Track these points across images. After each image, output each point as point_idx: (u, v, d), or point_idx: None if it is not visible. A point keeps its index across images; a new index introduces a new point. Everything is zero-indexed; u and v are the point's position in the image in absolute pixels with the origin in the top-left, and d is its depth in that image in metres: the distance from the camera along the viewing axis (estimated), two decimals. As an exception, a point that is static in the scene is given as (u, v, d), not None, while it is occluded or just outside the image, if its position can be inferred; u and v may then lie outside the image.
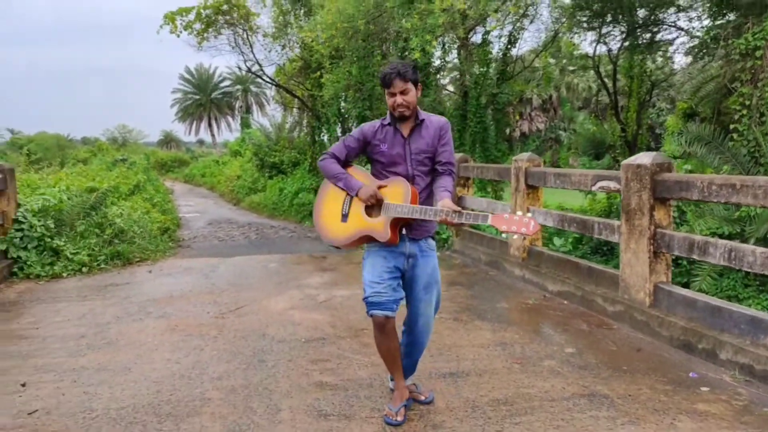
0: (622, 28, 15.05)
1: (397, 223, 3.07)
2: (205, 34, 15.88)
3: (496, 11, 10.49)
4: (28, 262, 7.00)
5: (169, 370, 3.97)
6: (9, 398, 3.55)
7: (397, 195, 3.05)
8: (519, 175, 6.52)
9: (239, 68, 18.47)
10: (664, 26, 14.77)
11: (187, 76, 56.21)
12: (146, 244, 8.52)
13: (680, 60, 17.14)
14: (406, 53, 10.22)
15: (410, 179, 3.13)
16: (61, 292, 6.29)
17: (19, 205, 7.39)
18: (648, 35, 15.04)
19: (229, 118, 57.65)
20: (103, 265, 7.49)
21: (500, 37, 13.23)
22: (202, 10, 15.25)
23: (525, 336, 4.63)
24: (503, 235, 7.40)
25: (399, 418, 3.15)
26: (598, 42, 15.89)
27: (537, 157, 6.53)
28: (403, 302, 3.24)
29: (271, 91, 24.07)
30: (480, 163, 11.47)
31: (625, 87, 18.07)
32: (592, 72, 21.86)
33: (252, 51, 16.40)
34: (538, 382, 3.72)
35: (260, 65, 16.59)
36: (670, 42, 15.66)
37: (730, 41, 11.10)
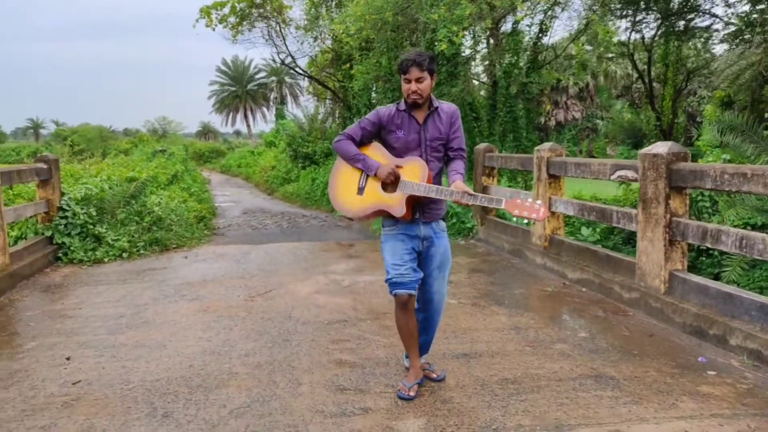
0: (657, 15, 14.82)
1: (412, 201, 3.25)
2: (240, 27, 16.26)
3: (523, 1, 10.48)
4: (72, 248, 7.41)
5: (200, 347, 4.25)
6: (56, 370, 3.87)
7: (414, 173, 3.22)
8: (541, 165, 6.61)
9: (273, 60, 18.81)
10: (699, 13, 14.47)
11: (223, 68, 57.21)
12: (183, 232, 8.89)
13: (719, 47, 16.75)
14: (434, 44, 10.32)
15: None
16: (103, 275, 6.67)
17: (63, 194, 7.81)
18: (682, 22, 14.76)
19: (264, 109, 58.49)
20: (141, 251, 7.87)
21: (531, 25, 13.22)
22: (236, 4, 15.62)
23: (540, 321, 4.77)
24: (525, 222, 7.50)
25: (411, 393, 3.35)
26: (632, 30, 15.68)
27: (559, 147, 6.61)
28: None
29: (304, 82, 24.46)
30: (509, 153, 11.53)
31: (661, 75, 17.78)
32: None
33: (285, 43, 16.74)
34: (548, 363, 3.87)
35: (293, 57, 16.92)
36: (706, 29, 15.33)
37: (767, 28, 10.88)
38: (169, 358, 4.06)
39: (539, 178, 6.67)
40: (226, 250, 8.28)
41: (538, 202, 3.06)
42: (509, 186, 10.27)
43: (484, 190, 8.18)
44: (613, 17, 15.14)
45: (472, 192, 3.10)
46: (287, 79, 50.79)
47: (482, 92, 15.29)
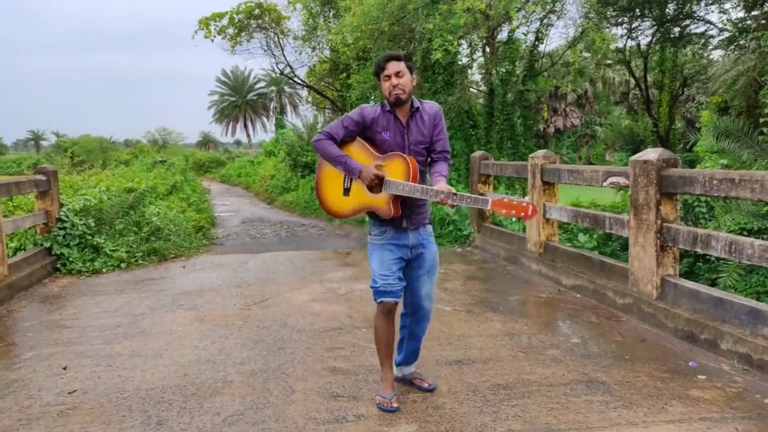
0: (652, 22, 14.92)
1: (398, 199, 3.19)
2: (238, 38, 16.38)
3: (517, 11, 10.57)
4: (71, 259, 7.45)
5: (196, 356, 4.28)
6: (52, 380, 3.91)
7: (398, 172, 3.13)
8: (535, 172, 6.66)
9: (272, 70, 18.94)
10: (694, 20, 14.58)
11: (223, 78, 57.51)
12: (181, 242, 8.93)
13: (715, 53, 16.84)
14: (430, 53, 10.40)
15: None
16: (101, 286, 6.72)
17: (62, 205, 7.87)
18: (678, 29, 14.87)
19: (264, 119, 58.75)
20: (140, 261, 7.91)
21: (527, 33, 13.30)
22: (234, 15, 15.74)
23: (534, 327, 4.81)
24: (521, 229, 7.55)
25: (395, 404, 3.30)
26: (628, 37, 15.78)
27: (552, 154, 6.67)
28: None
29: (303, 92, 24.59)
30: (507, 160, 11.59)
31: (658, 81, 17.87)
32: (627, 66, 21.65)
33: (283, 53, 16.86)
34: (540, 369, 3.90)
35: (291, 67, 17.03)
36: (701, 35, 15.44)
37: (760, 34, 10.96)
38: (165, 367, 4.09)
39: (534, 185, 6.72)
40: (224, 259, 8.32)
41: (526, 199, 3.02)
42: (507, 193, 10.32)
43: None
44: (609, 25, 15.25)
45: (457, 192, 3.03)
46: (287, 88, 51.06)
47: (480, 100, 15.37)
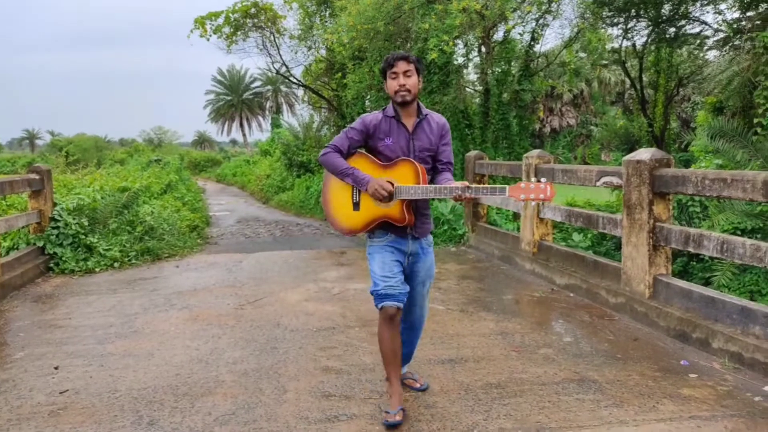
0: (647, 23, 14.96)
1: (411, 204, 3.16)
2: (234, 37, 16.32)
3: (513, 11, 10.59)
4: (64, 258, 7.43)
5: (188, 356, 4.27)
6: (44, 380, 3.90)
7: (407, 176, 3.09)
8: (529, 172, 6.67)
9: (268, 69, 18.91)
10: (689, 20, 14.62)
11: (219, 77, 57.33)
12: (175, 241, 8.91)
13: (711, 53, 16.89)
14: (426, 53, 10.40)
15: None
16: (94, 285, 6.69)
17: (55, 204, 7.84)
18: (673, 30, 14.91)
19: (260, 118, 58.59)
20: (133, 261, 7.89)
21: (523, 33, 13.33)
22: (230, 14, 15.69)
23: (526, 326, 4.81)
24: (516, 231, 7.56)
25: (398, 418, 3.16)
26: (624, 37, 15.81)
27: (547, 154, 6.68)
28: None
29: (299, 91, 24.59)
30: (502, 160, 11.61)
31: (653, 81, 17.91)
32: (622, 66, 21.69)
33: (279, 52, 16.81)
34: (532, 368, 3.91)
35: (287, 66, 16.99)
36: (696, 36, 15.48)
37: (754, 34, 10.99)
38: (157, 366, 4.08)
39: (528, 185, 6.72)
40: (217, 259, 8.31)
41: (543, 179, 2.94)
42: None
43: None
44: (604, 25, 15.28)
45: (471, 186, 2.98)
46: (283, 88, 50.94)
47: (476, 100, 15.39)
